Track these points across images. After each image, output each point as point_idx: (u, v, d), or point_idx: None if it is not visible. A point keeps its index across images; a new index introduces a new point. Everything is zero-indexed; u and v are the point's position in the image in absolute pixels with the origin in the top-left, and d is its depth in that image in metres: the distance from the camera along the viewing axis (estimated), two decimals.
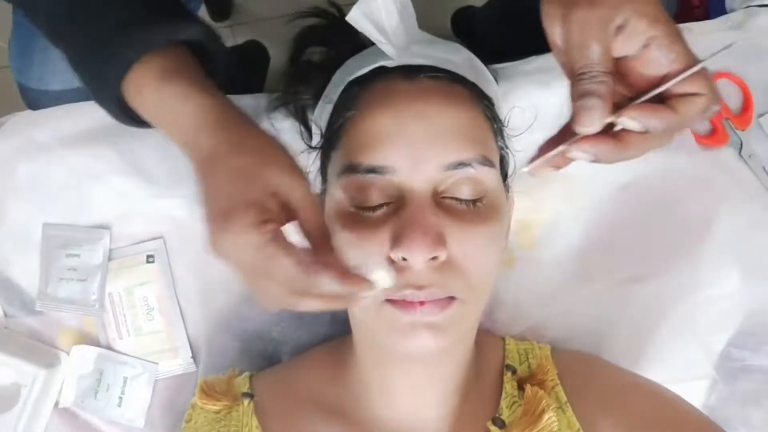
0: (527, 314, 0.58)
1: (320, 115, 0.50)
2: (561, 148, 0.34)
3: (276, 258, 0.33)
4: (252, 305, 0.59)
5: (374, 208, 0.41)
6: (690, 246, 0.56)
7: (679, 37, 0.33)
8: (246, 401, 0.49)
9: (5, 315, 0.59)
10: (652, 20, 0.32)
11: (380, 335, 0.42)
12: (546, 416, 0.43)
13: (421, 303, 0.39)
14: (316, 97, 0.54)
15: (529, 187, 0.56)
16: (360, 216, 0.41)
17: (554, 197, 0.57)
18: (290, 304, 0.34)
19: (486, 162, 0.41)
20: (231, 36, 1.14)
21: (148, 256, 0.58)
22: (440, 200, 0.41)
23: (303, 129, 0.57)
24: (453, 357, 0.47)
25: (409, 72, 0.44)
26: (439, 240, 0.38)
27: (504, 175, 0.47)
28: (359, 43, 0.54)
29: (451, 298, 0.40)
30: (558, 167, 0.36)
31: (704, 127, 0.58)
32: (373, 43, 0.51)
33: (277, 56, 1.07)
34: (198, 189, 0.37)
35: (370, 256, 0.38)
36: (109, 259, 0.58)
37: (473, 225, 0.40)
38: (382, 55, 0.45)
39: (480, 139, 0.42)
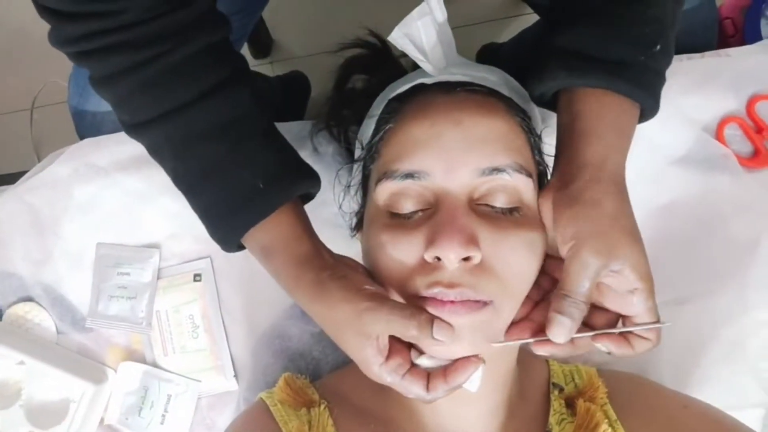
0: None
1: (364, 132, 0.52)
2: (530, 340, 0.41)
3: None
4: (294, 324, 0.60)
5: (411, 214, 0.42)
6: (736, 268, 0.55)
7: (654, 293, 0.40)
8: (323, 405, 0.49)
9: (57, 331, 0.61)
10: (643, 275, 0.39)
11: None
12: (601, 429, 0.43)
13: (451, 302, 0.39)
14: (359, 121, 0.56)
15: None
16: (397, 221, 0.42)
17: None
18: (426, 398, 0.41)
19: (521, 170, 0.42)
20: (271, 72, 1.19)
21: (196, 275, 0.60)
22: (475, 206, 0.42)
23: (345, 152, 0.59)
24: (494, 372, 0.46)
25: (447, 87, 0.46)
26: (472, 240, 0.39)
27: None
28: (400, 70, 0.56)
29: (484, 304, 0.40)
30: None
31: (747, 148, 0.58)
32: (414, 69, 0.54)
33: (315, 90, 1.11)
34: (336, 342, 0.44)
35: (407, 260, 0.41)
36: (158, 278, 0.60)
37: (508, 230, 0.41)
38: (422, 74, 0.47)
39: (515, 147, 0.43)
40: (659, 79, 0.45)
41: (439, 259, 0.39)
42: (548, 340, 0.39)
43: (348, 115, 0.58)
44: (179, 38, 0.43)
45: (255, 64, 1.19)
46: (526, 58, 0.91)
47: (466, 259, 0.39)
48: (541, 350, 0.41)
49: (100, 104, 0.64)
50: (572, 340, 0.39)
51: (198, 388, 0.59)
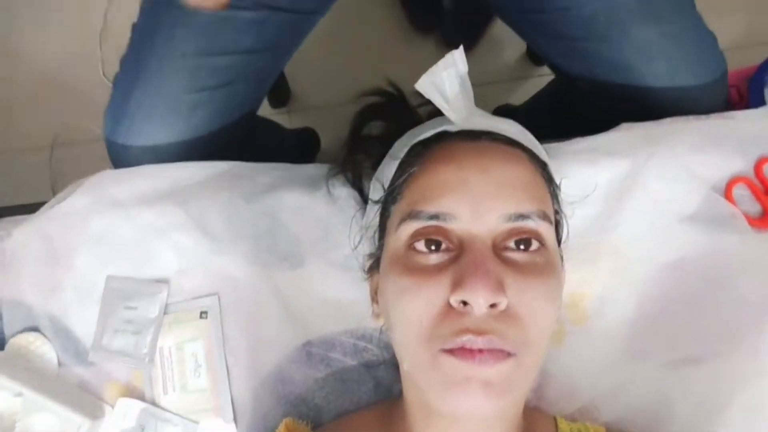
0: (578, 392, 0.56)
1: (383, 171, 0.53)
2: None
3: None
4: (298, 369, 0.59)
5: (434, 256, 0.42)
6: (747, 329, 0.55)
7: None
8: None
9: (59, 363, 0.60)
10: None
11: (432, 393, 0.41)
12: None
13: (480, 351, 0.38)
14: (374, 166, 0.57)
15: (577, 260, 0.57)
16: (419, 263, 0.42)
17: (603, 270, 0.57)
18: None
19: (545, 217, 0.43)
20: (288, 121, 1.22)
21: (202, 312, 0.60)
22: (499, 252, 0.42)
23: (359, 195, 0.60)
24: (501, 426, 0.45)
25: (470, 135, 0.47)
26: (500, 287, 0.39)
27: (558, 240, 0.48)
28: (416, 118, 0.58)
29: (507, 355, 0.39)
30: None
31: (755, 208, 0.58)
32: (428, 118, 0.56)
33: (327, 140, 1.15)
34: None
35: (431, 306, 0.39)
36: (165, 313, 0.60)
37: (532, 277, 0.41)
38: (445, 123, 0.49)
39: (539, 196, 0.44)
40: None
41: (465, 303, 0.39)
42: None
43: (363, 160, 0.60)
44: None
45: (273, 113, 1.23)
46: (543, 119, 0.94)
47: (493, 305, 0.39)
48: None
49: (127, 136, 0.66)
50: None
51: (195, 429, 0.58)
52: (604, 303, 0.57)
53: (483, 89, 1.19)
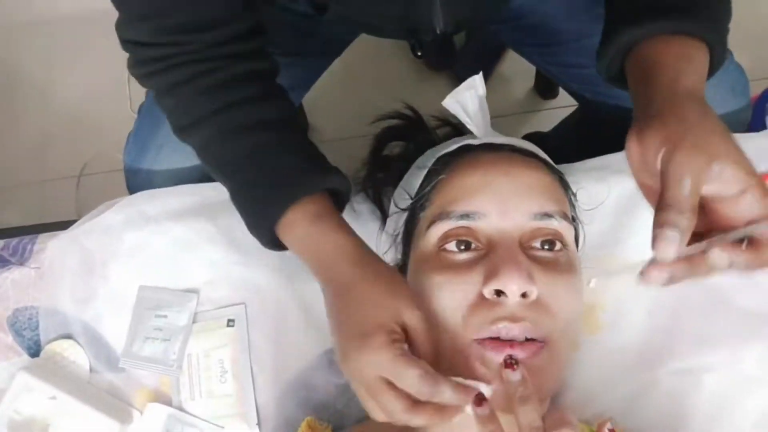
0: (592, 400, 0.58)
1: (409, 181, 0.56)
2: (695, 247, 0.35)
3: (407, 369, 0.37)
4: (320, 375, 0.61)
5: (464, 255, 0.45)
6: (761, 335, 0.56)
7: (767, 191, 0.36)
8: None
9: (90, 370, 0.62)
10: (750, 172, 0.36)
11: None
12: None
13: (511, 345, 0.40)
14: (393, 185, 0.61)
15: (590, 271, 0.59)
16: (450, 261, 0.45)
17: (615, 281, 0.59)
18: (403, 418, 0.38)
19: (566, 217, 0.46)
20: None
21: (229, 320, 0.62)
22: (526, 250, 0.45)
23: (379, 211, 0.63)
24: None
25: (492, 147, 0.51)
26: (531, 277, 0.41)
27: (576, 244, 0.51)
28: (434, 138, 0.62)
29: (540, 347, 0.41)
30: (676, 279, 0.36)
31: None
32: (445, 139, 0.60)
33: (344, 169, 1.19)
34: (331, 314, 0.44)
35: (464, 299, 0.42)
36: (194, 322, 0.62)
37: (558, 273, 0.44)
38: (468, 139, 0.54)
39: (559, 198, 0.48)
40: (720, 23, 0.45)
41: (498, 294, 0.41)
42: (656, 265, 0.34)
43: (383, 178, 0.64)
44: (235, 60, 0.50)
45: None
46: (570, 143, 0.97)
47: (524, 295, 0.41)
48: (650, 278, 0.35)
49: (153, 162, 0.70)
50: (687, 259, 0.34)
51: None
52: (617, 312, 0.59)
53: (494, 122, 1.23)
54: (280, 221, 0.48)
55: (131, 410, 0.61)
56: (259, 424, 0.60)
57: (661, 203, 0.35)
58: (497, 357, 0.41)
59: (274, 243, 0.51)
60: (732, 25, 0.48)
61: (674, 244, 0.34)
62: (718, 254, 0.35)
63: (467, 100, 0.53)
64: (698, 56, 0.43)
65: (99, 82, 1.37)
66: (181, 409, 0.61)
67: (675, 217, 0.34)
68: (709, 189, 0.35)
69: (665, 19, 0.43)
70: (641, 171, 0.39)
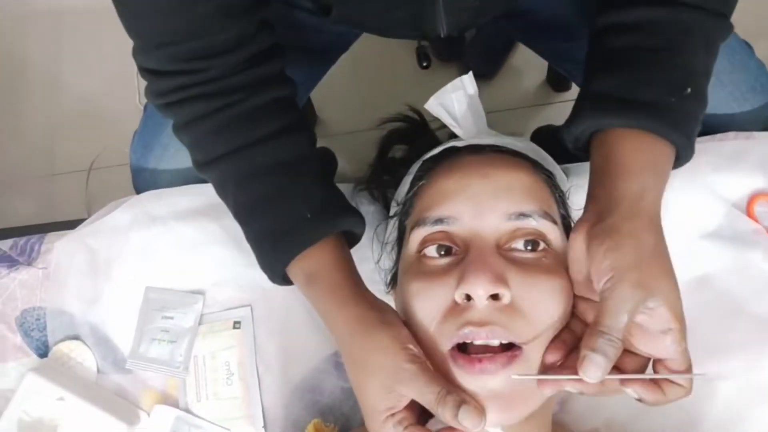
0: (602, 407, 0.57)
1: (399, 190, 0.56)
2: (557, 377, 0.40)
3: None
4: (327, 378, 0.60)
5: (442, 261, 0.44)
6: None
7: (686, 336, 0.40)
8: None
9: (98, 371, 0.62)
10: (678, 315, 0.39)
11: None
12: None
13: (480, 360, 0.40)
14: (396, 186, 0.60)
15: None
16: (429, 267, 0.44)
17: None
18: None
19: (546, 216, 0.44)
20: None
21: (235, 322, 0.62)
22: (503, 252, 0.43)
23: (384, 211, 0.63)
24: None
25: (476, 148, 0.50)
26: (501, 279, 0.40)
27: None
28: (437, 140, 0.61)
29: (513, 356, 0.40)
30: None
31: None
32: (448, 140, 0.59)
33: (352, 163, 1.18)
34: (350, 378, 0.46)
35: (439, 306, 0.42)
36: (200, 323, 0.62)
37: (538, 274, 0.42)
38: (455, 141, 0.53)
39: (540, 197, 0.46)
40: (691, 121, 0.45)
41: (468, 298, 0.41)
42: (579, 379, 0.38)
43: (388, 180, 0.63)
44: (252, 90, 0.49)
45: None
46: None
47: (495, 297, 0.40)
48: (570, 387, 0.40)
49: (159, 162, 0.69)
50: (602, 382, 0.38)
51: None
52: None
53: (505, 115, 1.22)
54: (287, 270, 0.50)
55: (138, 412, 0.61)
56: (265, 426, 0.60)
57: (595, 328, 0.38)
58: (470, 379, 0.40)
59: (284, 279, 0.52)
60: (752, 16, 0.46)
61: (600, 369, 0.37)
62: (635, 389, 0.40)
63: (453, 101, 0.52)
64: (664, 166, 0.44)
65: (109, 75, 1.36)
66: (188, 411, 0.61)
67: (605, 345, 0.37)
68: (636, 318, 0.39)
69: (640, 115, 0.44)
70: (578, 267, 0.42)
